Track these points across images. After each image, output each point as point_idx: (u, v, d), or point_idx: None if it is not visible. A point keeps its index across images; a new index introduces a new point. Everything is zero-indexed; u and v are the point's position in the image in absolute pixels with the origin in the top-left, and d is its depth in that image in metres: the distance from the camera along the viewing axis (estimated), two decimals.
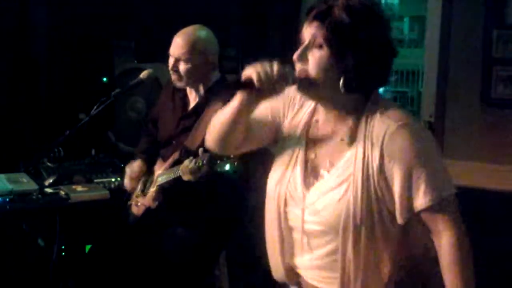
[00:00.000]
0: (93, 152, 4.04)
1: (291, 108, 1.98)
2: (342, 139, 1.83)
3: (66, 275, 3.38)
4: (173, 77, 3.07)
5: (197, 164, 2.60)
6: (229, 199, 3.05)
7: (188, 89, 3.17)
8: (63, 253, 3.43)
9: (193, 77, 3.05)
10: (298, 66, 1.79)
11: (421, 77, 12.07)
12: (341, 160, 1.82)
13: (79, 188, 3.33)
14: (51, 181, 3.37)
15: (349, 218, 1.76)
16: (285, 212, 1.91)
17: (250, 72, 1.76)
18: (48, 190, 3.28)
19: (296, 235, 1.91)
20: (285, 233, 1.93)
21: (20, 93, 4.31)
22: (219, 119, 1.95)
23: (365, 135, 1.78)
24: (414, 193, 1.73)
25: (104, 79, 4.46)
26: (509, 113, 3.38)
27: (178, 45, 3.03)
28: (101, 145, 4.22)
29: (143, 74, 3.31)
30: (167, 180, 2.96)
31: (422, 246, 1.92)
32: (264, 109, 1.98)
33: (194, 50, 3.01)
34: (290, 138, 1.96)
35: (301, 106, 1.97)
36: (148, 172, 3.24)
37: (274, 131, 2.00)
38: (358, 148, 1.79)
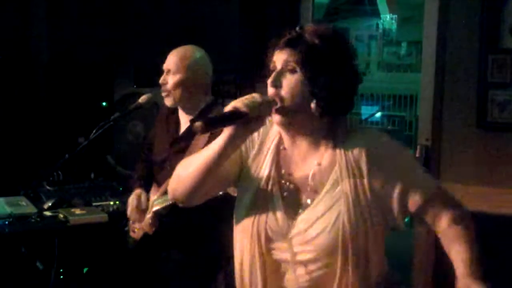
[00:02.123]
0: (92, 175, 4.06)
1: (251, 146, 1.95)
2: (319, 164, 1.83)
3: None
4: (163, 93, 3.07)
5: None
6: (226, 223, 3.06)
7: (180, 112, 3.16)
8: (62, 276, 3.43)
9: (181, 91, 3.03)
10: (272, 92, 1.79)
11: (419, 101, 12.13)
12: (324, 186, 1.82)
13: (78, 211, 3.34)
14: (50, 204, 3.38)
15: (347, 241, 1.77)
16: (269, 249, 1.87)
17: (234, 103, 1.75)
18: (47, 213, 3.30)
19: (284, 268, 1.88)
20: (269, 270, 1.88)
21: (20, 117, 4.33)
22: (194, 166, 1.87)
23: (346, 158, 1.80)
24: (410, 195, 1.80)
25: (104, 103, 4.49)
26: (505, 136, 3.40)
27: (169, 59, 3.07)
28: (100, 169, 4.24)
29: (142, 99, 3.33)
30: (163, 206, 2.96)
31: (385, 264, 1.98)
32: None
33: (185, 62, 3.03)
34: (257, 175, 1.92)
35: (262, 142, 1.95)
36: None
37: (239, 172, 1.96)
38: (342, 172, 1.80)
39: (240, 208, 1.93)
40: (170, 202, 2.85)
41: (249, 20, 4.49)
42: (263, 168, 1.91)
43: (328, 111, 1.78)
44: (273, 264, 1.88)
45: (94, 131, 3.25)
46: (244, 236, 1.90)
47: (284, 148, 1.90)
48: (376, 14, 14.29)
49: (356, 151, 1.79)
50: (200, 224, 2.99)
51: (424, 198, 1.80)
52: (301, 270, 1.84)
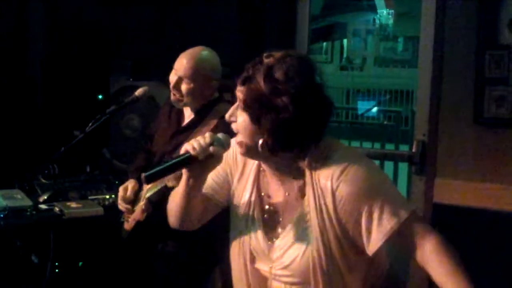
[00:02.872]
0: (87, 169, 4.05)
1: (235, 168, 2.03)
2: (289, 194, 1.89)
3: None
4: (173, 97, 3.04)
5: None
6: (223, 216, 3.06)
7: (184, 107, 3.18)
8: (57, 270, 3.42)
9: (193, 97, 3.02)
10: (233, 126, 1.86)
11: (415, 96, 12.15)
12: (293, 216, 1.88)
13: (73, 204, 3.34)
14: (45, 197, 3.38)
15: (316, 268, 1.84)
16: (254, 269, 1.98)
17: (185, 147, 1.84)
18: (43, 206, 3.29)
19: (269, 283, 1.97)
20: (255, 282, 1.99)
21: (16, 110, 4.32)
22: (174, 201, 2.03)
23: (313, 188, 1.83)
24: (378, 225, 1.78)
25: (100, 96, 4.48)
26: (502, 132, 3.39)
27: (182, 65, 3.00)
28: (96, 162, 4.23)
29: (139, 92, 3.32)
30: (154, 192, 2.95)
31: (388, 263, 2.01)
32: (214, 178, 2.03)
33: (198, 73, 2.99)
34: (242, 196, 2.00)
35: (245, 164, 2.01)
36: (140, 190, 3.25)
37: (228, 194, 2.05)
38: (309, 202, 1.84)
39: (231, 226, 2.05)
40: (160, 187, 2.85)
41: (246, 14, 4.48)
42: (246, 190, 1.99)
43: (276, 150, 1.81)
44: (258, 277, 1.98)
45: (90, 124, 3.25)
46: (232, 251, 2.03)
47: (264, 170, 1.96)
48: (373, 9, 14.28)
49: (322, 183, 1.82)
50: None
51: (392, 225, 1.77)
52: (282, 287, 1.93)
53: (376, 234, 1.78)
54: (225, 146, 1.87)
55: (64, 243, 3.33)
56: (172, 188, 2.70)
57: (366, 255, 1.84)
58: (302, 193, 1.87)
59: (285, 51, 1.84)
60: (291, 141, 1.80)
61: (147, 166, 3.26)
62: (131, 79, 4.50)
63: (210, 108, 3.06)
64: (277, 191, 1.94)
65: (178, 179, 2.64)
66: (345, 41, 14.91)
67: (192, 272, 3.04)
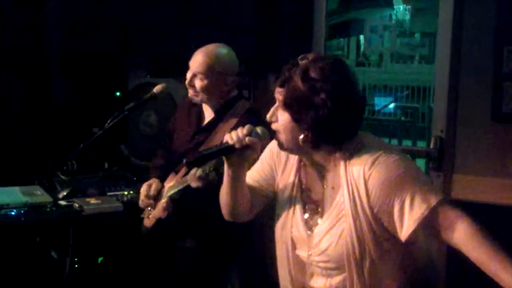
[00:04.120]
0: (106, 165, 4.07)
1: (278, 163, 2.18)
2: (326, 186, 2.02)
3: (79, 287, 3.40)
4: (190, 92, 3.06)
5: (204, 171, 2.64)
6: None
7: (204, 105, 3.16)
8: (76, 266, 3.45)
9: (208, 94, 3.03)
10: (273, 126, 2.02)
11: (432, 93, 12.07)
12: (330, 206, 2.00)
13: (93, 200, 3.35)
14: (65, 193, 3.40)
15: (350, 255, 1.95)
16: (295, 255, 2.11)
17: (225, 137, 2.03)
18: (62, 202, 3.31)
19: (308, 268, 2.09)
20: (295, 268, 2.12)
21: (35, 106, 4.36)
22: (222, 194, 2.20)
23: (346, 179, 1.94)
24: (409, 211, 1.85)
25: (118, 93, 4.51)
26: None
27: (197, 61, 3.01)
28: (114, 159, 4.26)
29: (157, 89, 3.33)
30: (176, 190, 2.96)
31: (426, 256, 2.10)
32: (260, 172, 2.22)
33: (212, 69, 2.99)
34: (285, 188, 2.14)
35: (287, 158, 2.16)
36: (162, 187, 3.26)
37: (273, 186, 2.21)
38: (344, 193, 1.95)
39: (275, 216, 2.18)
40: (183, 186, 2.87)
41: (263, 11, 4.49)
42: (288, 182, 2.13)
43: (316, 144, 1.95)
44: (299, 263, 2.11)
45: (108, 121, 3.27)
46: (276, 239, 2.17)
47: (304, 164, 2.10)
48: (389, 4, 14.18)
49: (355, 173, 1.92)
50: (215, 214, 3.00)
51: (423, 210, 1.83)
52: (319, 273, 2.05)
53: (408, 220, 1.85)
54: (262, 138, 2.03)
55: (84, 239, 3.35)
56: (195, 189, 2.74)
57: (398, 244, 1.93)
58: (338, 184, 1.98)
59: (318, 53, 2.00)
60: (330, 135, 1.93)
61: (168, 165, 3.28)
62: (148, 76, 4.52)
63: (230, 107, 3.06)
64: (316, 182, 2.06)
65: (202, 180, 2.68)
66: (361, 37, 14.83)
67: (211, 268, 3.06)
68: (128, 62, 4.59)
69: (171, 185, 3.07)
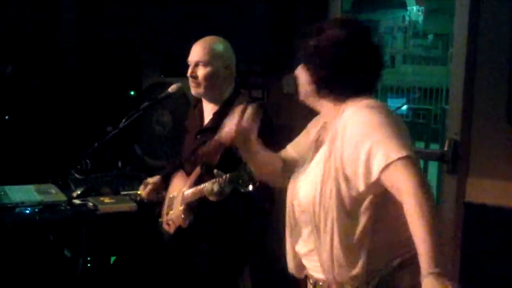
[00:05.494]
0: (119, 164, 4.08)
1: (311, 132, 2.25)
2: (322, 137, 2.10)
3: (92, 286, 3.41)
4: (192, 84, 3.09)
5: (220, 186, 2.66)
6: (253, 216, 3.08)
7: (204, 104, 3.19)
8: (89, 265, 3.46)
9: (211, 82, 3.06)
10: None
11: (445, 94, 12.02)
12: (316, 156, 2.08)
13: (107, 199, 3.37)
14: (79, 192, 3.41)
15: (315, 203, 1.95)
16: (292, 205, 2.12)
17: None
18: (76, 201, 3.33)
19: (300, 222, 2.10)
20: (293, 223, 2.13)
21: (49, 105, 4.37)
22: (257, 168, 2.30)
23: (333, 130, 1.99)
24: (371, 162, 1.82)
25: (132, 92, 4.52)
26: None
27: (196, 51, 3.08)
28: (127, 158, 4.26)
29: (172, 88, 3.33)
30: (194, 199, 2.98)
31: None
32: (298, 142, 2.29)
33: (213, 53, 3.06)
34: (307, 147, 2.20)
35: (317, 124, 2.22)
36: (164, 188, 3.28)
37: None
38: (327, 142, 2.00)
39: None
40: (200, 196, 2.88)
41: (277, 11, 4.49)
42: (310, 141, 2.19)
43: (325, 94, 2.03)
44: (295, 220, 2.13)
45: (124, 120, 3.27)
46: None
47: (325, 123, 2.12)
48: (402, 5, 14.16)
49: (342, 121, 1.96)
50: (230, 219, 3.01)
51: (385, 162, 1.79)
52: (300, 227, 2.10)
53: (366, 168, 1.84)
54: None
55: (96, 238, 3.37)
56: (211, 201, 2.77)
57: (362, 204, 1.89)
58: (326, 134, 2.05)
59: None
60: (338, 88, 2.02)
61: (177, 166, 3.31)
62: (162, 76, 4.53)
63: (230, 104, 3.06)
64: (326, 136, 2.08)
65: (219, 195, 2.70)
66: None
67: (224, 270, 3.06)
68: (142, 61, 4.60)
69: (186, 191, 3.07)
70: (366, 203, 1.90)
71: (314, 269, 2.06)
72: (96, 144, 3.35)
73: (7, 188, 3.40)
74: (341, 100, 2.03)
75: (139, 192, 3.52)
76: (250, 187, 2.50)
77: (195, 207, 3.01)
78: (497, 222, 3.36)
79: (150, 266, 3.15)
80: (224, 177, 2.62)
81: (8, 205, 3.16)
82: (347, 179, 1.90)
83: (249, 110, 2.10)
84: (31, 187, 3.44)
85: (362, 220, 1.91)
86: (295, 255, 2.15)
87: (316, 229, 1.96)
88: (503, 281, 1.79)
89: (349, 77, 2.01)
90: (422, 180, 1.76)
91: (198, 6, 4.50)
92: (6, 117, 4.27)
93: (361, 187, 1.86)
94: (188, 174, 3.13)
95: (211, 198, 2.77)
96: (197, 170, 3.03)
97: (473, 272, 3.35)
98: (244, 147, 2.14)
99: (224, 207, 2.87)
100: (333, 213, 1.91)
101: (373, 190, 1.87)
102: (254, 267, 3.29)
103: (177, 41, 4.45)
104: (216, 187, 2.68)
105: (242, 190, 2.54)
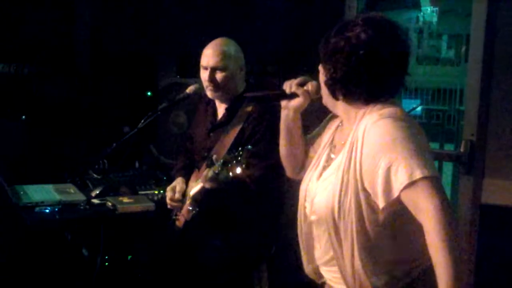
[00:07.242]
0: (137, 164, 4.10)
1: (327, 129, 2.22)
2: (342, 142, 2.01)
3: (109, 285, 3.43)
4: (209, 88, 3.13)
5: (213, 171, 2.64)
6: (266, 207, 3.09)
7: (217, 102, 3.24)
8: (107, 264, 3.48)
9: (229, 86, 3.13)
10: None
11: (459, 95, 11.97)
12: (334, 161, 2.01)
13: (126, 199, 3.38)
14: (97, 192, 3.42)
15: (329, 210, 1.92)
16: (305, 207, 2.09)
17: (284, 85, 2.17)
18: (95, 201, 3.34)
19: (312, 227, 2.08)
20: (305, 227, 2.11)
21: (67, 106, 4.40)
22: (281, 148, 2.28)
23: (353, 135, 1.93)
24: (392, 178, 1.78)
25: (149, 93, 4.54)
26: None
27: (211, 56, 3.10)
28: (143, 158, 4.29)
29: (190, 89, 3.35)
30: (195, 191, 2.99)
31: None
32: (314, 137, 2.25)
33: (228, 57, 3.11)
34: (321, 147, 2.17)
35: (332, 123, 2.20)
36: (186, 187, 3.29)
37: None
38: (346, 149, 1.94)
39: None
40: (199, 187, 2.89)
41: (293, 10, 4.49)
42: (324, 142, 2.16)
43: (340, 97, 1.98)
44: (307, 222, 2.10)
45: (142, 121, 3.29)
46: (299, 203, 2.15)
47: (341, 124, 2.11)
48: (417, 6, 14.12)
49: (361, 129, 1.89)
50: (243, 212, 3.02)
51: (408, 180, 1.74)
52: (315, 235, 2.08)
53: (386, 185, 1.79)
54: (310, 91, 2.13)
55: (114, 238, 3.38)
56: (209, 189, 2.77)
57: (380, 219, 1.86)
58: (347, 139, 1.97)
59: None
60: (357, 91, 1.95)
61: (190, 165, 3.32)
62: (178, 76, 4.55)
63: (242, 99, 3.14)
64: (340, 142, 2.06)
65: (213, 181, 2.70)
66: None
67: (239, 266, 3.08)
68: (158, 62, 4.63)
69: (192, 185, 3.10)
70: (386, 215, 1.87)
71: (333, 280, 2.04)
72: (114, 144, 3.38)
73: (26, 187, 3.42)
74: (360, 104, 1.97)
75: (156, 192, 3.54)
76: (238, 170, 2.46)
77: (199, 199, 3.01)
78: None
79: (167, 265, 3.16)
80: (217, 161, 2.61)
81: (28, 205, 3.18)
82: (366, 192, 1.86)
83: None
84: (50, 187, 3.46)
85: (382, 231, 1.89)
86: (310, 260, 2.13)
87: (337, 239, 1.92)
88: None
89: (367, 80, 1.92)
90: (446, 201, 1.73)
91: (213, 7, 4.52)
92: (23, 117, 4.31)
93: (381, 203, 1.82)
94: (199, 170, 3.17)
95: (207, 186, 2.77)
96: (205, 166, 3.04)
97: (489, 274, 3.34)
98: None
99: (233, 201, 2.90)
100: (352, 225, 1.87)
101: (393, 205, 1.82)
102: (270, 259, 3.28)
103: (193, 42, 4.47)
104: (210, 172, 2.67)
105: (231, 174, 2.51)
